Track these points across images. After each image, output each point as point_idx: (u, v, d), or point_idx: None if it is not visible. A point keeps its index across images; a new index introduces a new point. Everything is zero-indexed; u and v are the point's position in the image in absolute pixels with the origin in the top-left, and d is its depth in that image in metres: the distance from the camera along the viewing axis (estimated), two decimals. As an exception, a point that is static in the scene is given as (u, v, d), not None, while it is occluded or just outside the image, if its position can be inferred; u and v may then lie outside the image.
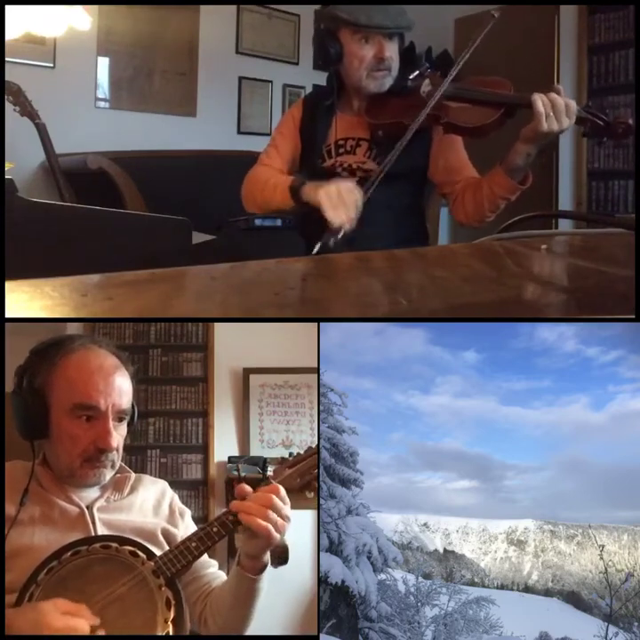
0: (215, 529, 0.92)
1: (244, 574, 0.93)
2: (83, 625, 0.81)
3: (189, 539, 0.92)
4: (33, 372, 0.97)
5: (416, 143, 1.78)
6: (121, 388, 0.98)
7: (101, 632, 0.82)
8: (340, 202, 1.53)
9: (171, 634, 0.87)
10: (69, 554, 0.87)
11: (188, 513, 1.09)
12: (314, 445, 1.00)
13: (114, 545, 0.89)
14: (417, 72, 1.71)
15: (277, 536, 0.89)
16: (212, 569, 1.05)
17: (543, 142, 1.58)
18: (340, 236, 1.51)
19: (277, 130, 1.97)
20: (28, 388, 0.96)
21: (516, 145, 1.61)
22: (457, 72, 1.66)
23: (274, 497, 0.90)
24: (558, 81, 4.29)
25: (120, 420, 0.98)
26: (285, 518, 0.90)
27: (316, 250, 1.47)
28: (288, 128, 1.92)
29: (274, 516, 0.89)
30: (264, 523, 0.88)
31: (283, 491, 0.92)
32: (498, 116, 1.61)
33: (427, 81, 1.70)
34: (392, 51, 1.74)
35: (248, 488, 0.92)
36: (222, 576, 1.05)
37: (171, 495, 1.08)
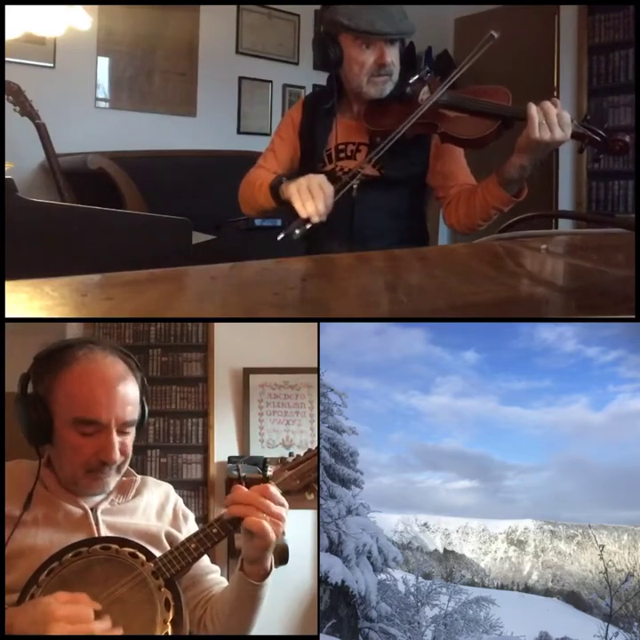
0: (215, 530, 0.92)
1: (246, 579, 0.92)
2: (86, 610, 0.81)
3: (189, 540, 0.92)
4: (36, 380, 0.96)
5: (416, 150, 1.77)
6: (125, 398, 0.95)
7: (105, 619, 0.82)
8: (308, 195, 1.54)
9: (170, 634, 0.87)
10: (70, 555, 0.88)
11: (191, 516, 1.08)
12: (314, 446, 1.00)
13: (114, 546, 0.90)
14: (416, 77, 1.70)
15: (273, 536, 0.88)
16: (213, 575, 1.05)
17: (537, 155, 1.56)
18: (307, 226, 1.51)
19: (277, 133, 1.97)
20: (31, 396, 0.95)
21: (511, 157, 1.60)
22: (456, 79, 1.65)
23: (259, 497, 0.89)
24: (558, 81, 4.29)
25: (125, 431, 0.96)
26: (277, 517, 0.89)
27: (280, 237, 1.47)
28: (287, 132, 1.92)
29: (265, 511, 0.88)
30: (258, 520, 0.88)
31: (272, 490, 0.91)
32: (494, 129, 1.60)
33: (426, 88, 1.69)
34: (393, 56, 1.72)
35: (244, 489, 0.92)
36: (223, 582, 1.04)
37: (175, 499, 1.08)
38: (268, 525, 0.88)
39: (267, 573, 0.93)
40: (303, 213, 1.52)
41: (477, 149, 1.67)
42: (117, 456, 0.94)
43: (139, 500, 1.02)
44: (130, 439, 0.97)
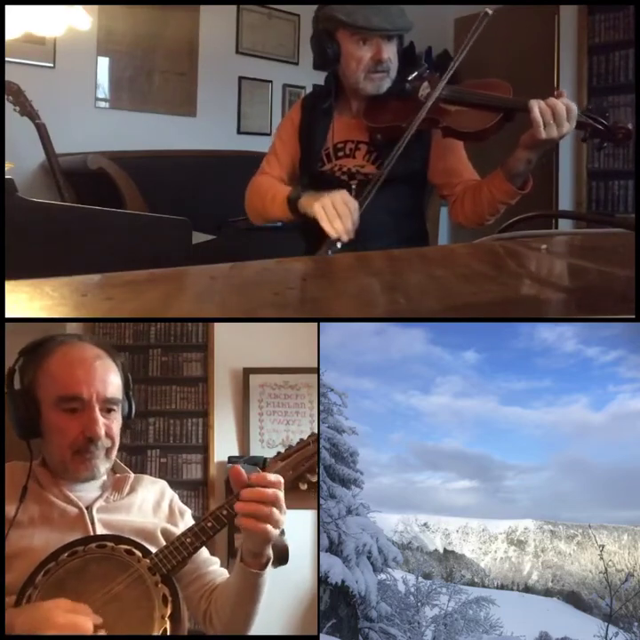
0: (210, 524, 0.92)
1: (247, 570, 0.92)
2: (86, 622, 0.81)
3: (184, 534, 0.92)
4: (22, 373, 0.99)
5: (415, 146, 1.77)
6: (104, 376, 0.98)
7: (103, 631, 0.82)
8: (335, 214, 1.53)
9: (168, 630, 0.87)
10: (66, 555, 0.88)
11: (188, 512, 1.08)
12: (306, 437, 1.00)
13: (110, 544, 0.90)
14: (415, 73, 1.70)
15: (276, 531, 0.89)
16: (214, 566, 1.05)
17: (544, 148, 1.56)
18: (338, 246, 1.52)
19: (277, 135, 1.97)
20: (17, 389, 0.98)
21: (516, 151, 1.59)
22: (456, 74, 1.65)
23: (271, 491, 0.88)
24: (558, 80, 4.29)
25: (109, 410, 0.98)
26: (282, 511, 0.89)
27: None
28: (287, 133, 1.92)
29: (271, 512, 0.87)
30: (262, 525, 0.87)
31: (282, 482, 0.91)
32: (496, 121, 1.59)
33: (425, 84, 1.69)
34: (390, 52, 1.72)
35: (243, 472, 0.91)
36: (225, 573, 1.04)
37: (170, 495, 1.08)
38: (267, 526, 0.87)
39: (267, 562, 0.93)
40: (333, 234, 1.52)
41: (479, 142, 1.67)
42: (102, 431, 0.95)
43: (134, 497, 1.02)
44: (116, 423, 0.99)
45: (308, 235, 1.86)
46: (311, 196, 1.63)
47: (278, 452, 0.98)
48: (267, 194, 1.81)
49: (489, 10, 1.55)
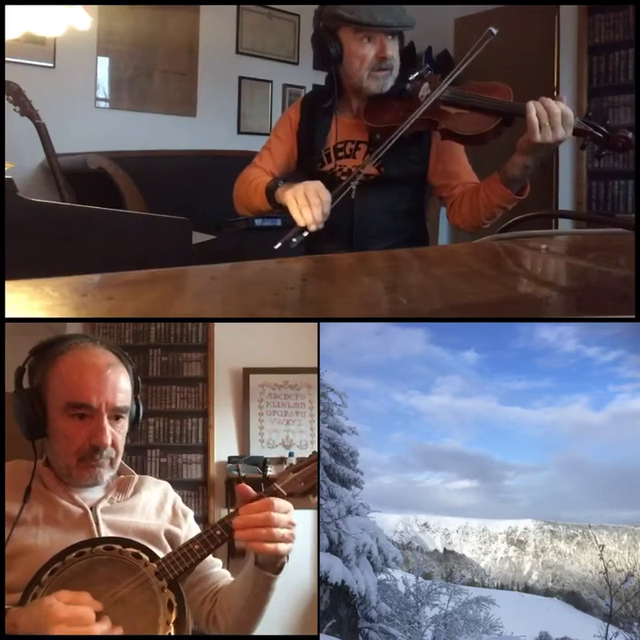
0: (218, 532, 0.91)
1: (263, 573, 0.92)
2: (88, 611, 0.81)
3: (193, 541, 0.92)
4: (31, 372, 0.98)
5: (416, 148, 1.77)
6: (115, 385, 0.97)
7: (106, 620, 0.82)
8: (306, 203, 1.53)
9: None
10: (73, 555, 0.87)
11: (190, 514, 1.08)
12: (314, 446, 1.00)
13: (117, 547, 0.90)
14: (416, 74, 1.70)
15: (288, 547, 0.88)
16: (217, 568, 1.05)
17: (540, 154, 1.56)
18: (304, 234, 1.51)
19: (274, 132, 1.96)
20: (26, 389, 0.97)
21: (513, 156, 1.59)
22: (456, 76, 1.65)
23: (272, 514, 0.88)
24: (558, 81, 4.29)
25: (117, 418, 0.97)
26: (289, 525, 0.88)
27: (277, 246, 1.47)
28: (284, 131, 1.92)
29: (278, 532, 0.87)
30: (272, 545, 0.87)
31: (277, 503, 0.89)
32: (495, 125, 1.59)
33: (426, 85, 1.69)
34: (393, 50, 1.73)
35: (250, 489, 0.92)
36: (227, 575, 1.04)
37: (173, 497, 1.08)
38: (278, 545, 0.87)
39: (282, 566, 0.93)
40: (300, 222, 1.52)
41: (477, 146, 1.67)
42: (108, 440, 0.95)
43: (137, 499, 1.02)
44: (122, 432, 0.98)
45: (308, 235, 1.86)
46: (288, 185, 1.63)
47: (283, 459, 0.98)
48: (251, 184, 1.81)
49: (494, 29, 1.55)
